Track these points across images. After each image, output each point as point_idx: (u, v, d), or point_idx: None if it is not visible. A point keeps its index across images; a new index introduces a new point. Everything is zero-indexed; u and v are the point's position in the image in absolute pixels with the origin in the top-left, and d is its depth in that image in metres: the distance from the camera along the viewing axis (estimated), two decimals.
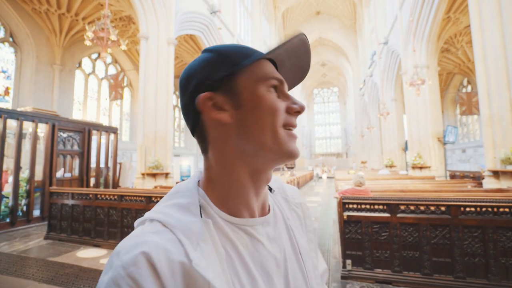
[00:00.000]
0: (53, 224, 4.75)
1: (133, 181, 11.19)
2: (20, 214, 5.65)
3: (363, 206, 3.00)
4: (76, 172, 7.38)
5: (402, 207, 2.87)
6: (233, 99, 0.41)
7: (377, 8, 16.21)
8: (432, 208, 2.77)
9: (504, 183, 4.89)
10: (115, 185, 8.57)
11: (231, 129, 0.41)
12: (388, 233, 2.88)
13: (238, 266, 0.38)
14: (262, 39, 19.42)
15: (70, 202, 4.64)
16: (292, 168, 23.42)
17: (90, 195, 4.46)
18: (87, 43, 5.03)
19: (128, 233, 4.13)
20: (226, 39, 12.55)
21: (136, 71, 13.33)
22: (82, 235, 4.43)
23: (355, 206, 3.03)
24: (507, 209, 2.61)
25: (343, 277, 2.92)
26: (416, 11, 9.19)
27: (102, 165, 8.08)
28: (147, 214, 0.39)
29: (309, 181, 17.01)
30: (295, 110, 0.42)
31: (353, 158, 29.07)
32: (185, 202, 0.40)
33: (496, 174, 5.06)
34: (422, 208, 2.81)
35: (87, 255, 3.89)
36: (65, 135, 6.95)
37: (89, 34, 4.80)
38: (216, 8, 10.72)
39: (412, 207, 2.84)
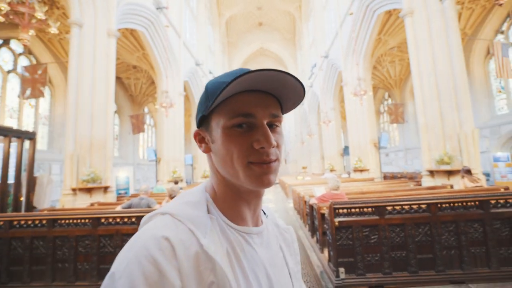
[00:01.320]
0: None
1: (52, 199, 9.11)
2: None
3: (352, 211, 2.93)
4: None
5: (389, 208, 2.90)
6: (210, 134, 0.48)
7: (316, 25, 17.68)
8: (415, 207, 2.88)
9: (438, 180, 5.68)
10: (30, 205, 6.76)
11: (212, 157, 0.49)
12: (377, 235, 2.86)
13: (235, 264, 0.42)
14: (207, 44, 18.94)
15: None
16: None
17: (1, 223, 3.26)
18: None
19: (63, 268, 3.13)
20: (172, 40, 11.66)
21: (59, 65, 11.16)
22: None
23: (345, 211, 2.94)
24: (473, 203, 2.89)
25: (337, 287, 2.77)
26: (356, 29, 10.28)
27: (11, 180, 6.26)
28: (158, 210, 0.45)
29: None
30: (258, 147, 0.43)
31: (293, 164, 30.68)
32: (193, 200, 0.46)
33: (431, 173, 5.85)
34: (406, 207, 2.89)
35: None
36: None
37: (3, 5, 3.62)
38: (163, 4, 9.87)
39: (397, 208, 2.90)
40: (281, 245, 0.54)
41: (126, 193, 10.98)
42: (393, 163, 17.66)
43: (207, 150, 0.49)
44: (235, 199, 0.47)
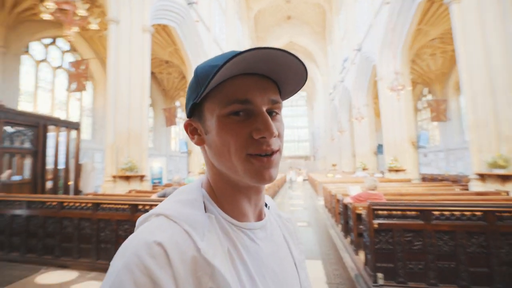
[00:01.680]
0: None
1: (95, 184, 9.85)
2: None
3: (393, 213, 2.73)
4: (27, 175, 6.11)
5: (436, 213, 2.66)
6: (203, 124, 0.43)
7: (348, 17, 16.85)
8: (468, 214, 2.61)
9: (490, 186, 5.12)
10: (77, 189, 7.37)
11: (206, 150, 0.45)
12: (422, 242, 2.64)
13: (238, 264, 0.38)
14: (236, 38, 18.97)
15: (24, 212, 3.66)
16: None
17: (54, 204, 3.56)
18: (46, 16, 4.08)
19: (106, 249, 3.35)
20: (202, 34, 11.83)
21: (99, 60, 11.89)
22: (42, 253, 3.51)
23: (385, 212, 2.75)
24: None
25: None
26: (393, 19, 9.58)
27: (60, 166, 6.86)
28: (152, 210, 0.41)
29: (283, 185, 16.90)
30: (258, 136, 0.39)
31: (321, 161, 29.97)
32: (189, 198, 0.42)
33: (482, 177, 5.29)
34: (457, 214, 2.62)
35: (52, 279, 3.05)
36: (12, 130, 5.71)
37: (50, 4, 3.87)
38: (193, 0, 10.01)
39: (446, 213, 2.64)
40: (285, 235, 0.52)
41: (159, 182, 11.54)
42: (432, 164, 16.43)
43: (200, 142, 0.45)
44: (234, 195, 0.43)
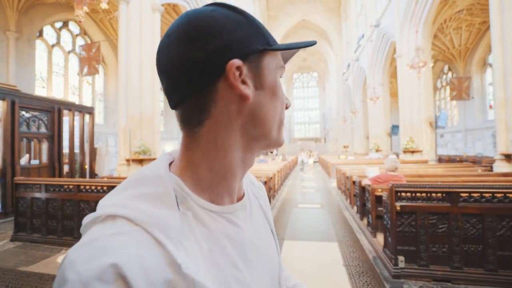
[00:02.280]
0: (21, 222, 3.86)
1: (110, 168, 10.10)
2: None
3: (417, 195, 2.59)
4: (44, 159, 6.28)
5: (464, 195, 2.50)
6: (257, 78, 0.37)
7: None
8: (499, 196, 2.43)
9: None
10: (92, 173, 7.56)
11: (246, 109, 0.36)
12: (447, 225, 2.51)
13: (222, 260, 0.35)
14: None
15: (43, 195, 3.76)
16: (271, 152, 23.26)
17: (71, 187, 3.62)
18: None
19: None
20: None
21: (110, 44, 11.80)
22: (62, 235, 3.62)
23: (408, 195, 2.62)
24: None
25: (395, 276, 2.54)
26: None
27: (76, 150, 7.01)
28: (103, 209, 0.31)
29: (294, 167, 16.83)
30: (287, 106, 0.41)
31: (332, 143, 29.55)
32: (156, 192, 0.33)
33: (508, 157, 5.00)
34: (487, 196, 2.46)
35: None
36: (28, 115, 5.80)
37: None
38: None
39: (475, 195, 2.48)
40: (261, 203, 0.49)
41: None
42: (449, 145, 15.87)
43: (247, 91, 0.35)
44: (232, 170, 0.37)
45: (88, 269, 0.24)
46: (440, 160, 10.44)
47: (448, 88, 15.20)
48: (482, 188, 2.48)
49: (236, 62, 0.34)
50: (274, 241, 0.48)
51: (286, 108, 0.41)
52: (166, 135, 15.55)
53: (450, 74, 16.03)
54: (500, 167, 5.10)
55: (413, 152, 9.72)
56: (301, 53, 33.00)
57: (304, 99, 38.01)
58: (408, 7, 9.65)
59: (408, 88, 10.02)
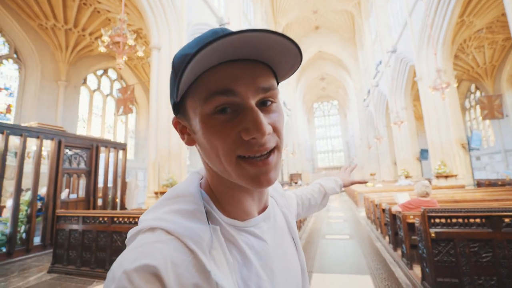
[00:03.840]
0: (59, 254, 4.09)
1: (139, 201, 10.48)
2: (19, 242, 4.97)
3: (454, 220, 2.44)
4: (81, 193, 6.75)
5: (507, 220, 2.31)
6: (189, 123, 0.39)
7: (379, 19, 16.33)
8: None
9: None
10: (123, 206, 7.91)
11: (198, 149, 0.40)
12: (491, 253, 2.30)
13: (245, 271, 0.37)
14: None
15: (80, 227, 4.01)
16: (295, 183, 22.79)
17: (105, 219, 3.85)
18: (102, 49, 4.62)
19: None
20: None
21: (142, 86, 13.00)
22: (95, 267, 3.77)
23: (443, 220, 2.47)
24: None
25: None
26: (431, 14, 9.04)
27: (109, 184, 7.47)
28: (146, 222, 0.36)
29: None
30: (248, 138, 0.34)
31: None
32: (190, 209, 0.37)
33: None
34: None
35: None
36: (71, 152, 6.40)
37: (105, 38, 4.40)
38: (225, 21, 10.58)
39: None
40: (283, 211, 0.50)
41: None
42: (488, 168, 14.63)
43: (191, 142, 0.40)
44: (235, 195, 0.39)
45: (132, 269, 0.29)
46: (479, 184, 9.62)
47: (478, 107, 14.50)
48: None
49: (173, 120, 0.41)
50: (297, 248, 0.49)
51: (249, 138, 0.34)
52: (191, 168, 16.06)
53: (478, 93, 15.38)
54: None
55: (446, 177, 9.09)
56: (319, 82, 33.80)
57: (326, 128, 37.91)
58: (423, 31, 9.78)
59: (433, 109, 9.72)
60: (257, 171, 0.35)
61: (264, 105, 0.37)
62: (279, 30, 24.09)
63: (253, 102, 0.35)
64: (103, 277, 3.62)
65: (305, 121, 34.90)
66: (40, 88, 8.96)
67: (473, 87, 15.89)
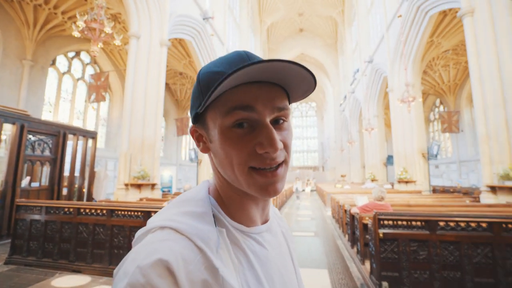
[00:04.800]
0: (17, 245, 3.91)
1: (107, 192, 10.13)
2: None
3: (399, 223, 2.76)
4: (44, 181, 6.43)
5: (442, 224, 2.67)
6: (207, 133, 0.42)
7: (360, 29, 17.07)
8: (473, 225, 2.61)
9: (501, 198, 5.02)
10: (90, 196, 7.64)
11: (212, 158, 0.44)
12: (427, 251, 2.65)
13: (249, 274, 0.38)
14: (249, 50, 19.46)
15: (43, 217, 3.87)
16: None
17: (71, 210, 3.76)
18: (76, 34, 4.44)
19: (118, 254, 3.49)
20: (216, 48, 12.28)
21: (117, 72, 12.48)
22: (58, 258, 3.68)
23: (390, 222, 2.79)
24: None
25: None
26: (405, 31, 9.69)
27: (76, 173, 7.17)
28: (154, 223, 0.38)
29: (291, 195, 16.81)
30: (262, 151, 0.38)
31: (330, 172, 29.63)
32: (199, 211, 0.40)
33: (493, 189, 5.20)
34: (462, 225, 2.63)
35: (66, 283, 3.19)
36: (35, 138, 6.06)
37: (80, 23, 4.23)
38: (209, 15, 10.48)
39: (452, 224, 2.65)
40: (283, 232, 0.53)
41: (169, 191, 11.78)
42: (444, 176, 16.03)
43: (206, 150, 0.44)
44: (242, 202, 0.43)
45: (146, 263, 0.30)
46: (435, 190, 10.57)
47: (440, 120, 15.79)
48: (457, 217, 2.66)
49: (191, 128, 0.45)
50: (294, 268, 0.51)
51: (262, 152, 0.38)
52: (165, 160, 15.75)
53: (442, 108, 16.72)
54: (487, 198, 5.27)
55: (407, 182, 9.89)
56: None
57: (303, 128, 38.82)
58: (397, 46, 10.46)
59: (400, 120, 10.48)
60: (266, 181, 0.38)
61: (277, 123, 0.41)
62: (264, 28, 24.19)
63: (268, 119, 0.39)
64: (66, 268, 3.56)
65: None
66: (1, 66, 8.30)
67: (438, 101, 17.23)
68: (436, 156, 9.77)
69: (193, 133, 0.45)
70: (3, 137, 5.69)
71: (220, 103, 0.38)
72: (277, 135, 0.38)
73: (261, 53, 24.40)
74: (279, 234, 0.50)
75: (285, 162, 0.41)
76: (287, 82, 0.39)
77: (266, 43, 26.82)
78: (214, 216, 0.40)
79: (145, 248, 0.33)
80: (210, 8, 11.35)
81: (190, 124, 0.48)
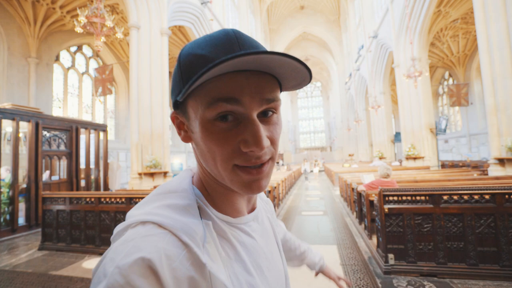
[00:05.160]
0: (47, 233, 4.24)
1: (121, 182, 10.53)
2: (3, 223, 5.04)
3: (404, 198, 2.88)
4: (62, 175, 6.75)
5: (445, 198, 2.77)
6: (188, 122, 0.39)
7: (364, 3, 16.39)
8: (476, 197, 2.70)
9: (510, 170, 5.04)
10: (106, 186, 7.99)
11: (194, 148, 0.41)
12: (431, 224, 2.78)
13: (236, 266, 0.38)
14: (249, 33, 19.07)
15: (67, 207, 4.16)
16: (277, 163, 23.46)
17: (92, 199, 4.02)
18: (78, 29, 4.50)
19: None
20: None
21: (120, 64, 12.51)
22: (85, 243, 3.99)
23: (395, 198, 2.90)
24: None
25: (386, 272, 2.80)
26: (410, 3, 9.31)
27: (91, 165, 7.47)
28: (135, 217, 0.35)
29: (299, 177, 17.04)
30: (247, 150, 0.34)
31: (338, 152, 29.64)
32: (182, 203, 0.37)
33: (501, 161, 5.21)
34: (465, 197, 2.73)
35: (95, 265, 3.48)
36: (49, 134, 6.30)
37: (81, 19, 4.28)
38: None
39: (455, 197, 2.75)
40: (269, 217, 0.53)
41: None
42: (454, 150, 15.89)
43: (187, 140, 0.40)
44: (227, 194, 0.41)
45: (125, 263, 0.28)
46: (444, 165, 10.56)
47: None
48: (461, 190, 2.75)
49: (172, 114, 0.41)
50: (280, 252, 0.50)
51: (246, 150, 0.35)
52: (174, 148, 16.05)
53: (451, 80, 16.26)
54: (495, 171, 5.30)
55: (415, 158, 9.90)
56: None
57: (309, 109, 38.50)
58: (403, 19, 10.09)
59: (407, 96, 10.31)
60: (250, 178, 0.36)
61: (265, 115, 0.37)
62: (264, 8, 23.45)
63: (255, 113, 0.35)
64: (94, 252, 3.87)
65: (288, 101, 35.17)
66: (8, 65, 8.45)
67: (447, 74, 16.73)
68: (444, 130, 9.69)
69: (173, 119, 0.41)
70: (20, 135, 5.95)
71: (202, 92, 0.34)
72: (263, 132, 0.35)
73: (262, 35, 23.81)
74: (265, 221, 0.49)
75: (271, 159, 0.38)
76: (279, 72, 0.36)
77: (266, 24, 26.10)
78: (199, 208, 0.39)
79: (125, 246, 0.30)
80: None
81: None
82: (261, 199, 0.55)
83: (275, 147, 0.38)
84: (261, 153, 0.35)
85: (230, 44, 0.34)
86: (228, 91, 0.34)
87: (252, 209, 0.46)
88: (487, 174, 5.64)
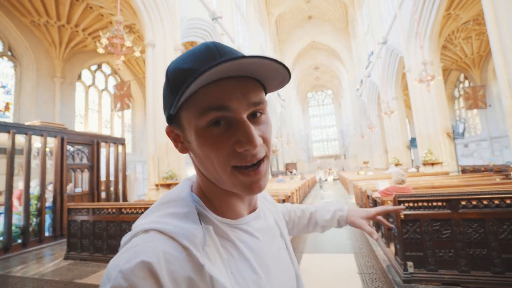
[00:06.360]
0: (72, 242, 4.45)
1: (139, 193, 10.83)
2: (31, 233, 5.31)
3: (420, 204, 2.85)
4: (84, 187, 7.06)
5: (463, 202, 2.73)
6: (183, 133, 0.41)
7: (371, 10, 16.47)
8: (496, 201, 2.64)
9: None
10: (125, 198, 8.25)
11: (192, 157, 0.43)
12: (450, 230, 2.73)
13: (241, 265, 0.39)
14: (259, 44, 19.50)
15: (91, 218, 4.36)
16: (291, 172, 23.31)
17: (114, 210, 4.20)
18: (100, 50, 4.83)
19: None
20: (227, 45, 12.45)
21: (137, 81, 13.09)
22: (107, 253, 4.14)
23: (411, 204, 2.88)
24: None
25: (405, 281, 2.75)
26: (418, 9, 9.31)
27: (111, 178, 7.77)
28: (139, 226, 0.38)
29: (314, 186, 16.84)
30: (241, 150, 0.37)
31: (352, 159, 29.14)
32: (183, 212, 0.39)
33: None
34: (485, 202, 2.67)
35: None
36: (73, 148, 6.66)
37: (103, 40, 4.61)
38: (218, 15, 10.66)
39: (474, 202, 2.70)
40: (275, 217, 0.54)
41: None
42: (475, 155, 15.29)
43: (185, 150, 0.43)
44: (226, 199, 0.43)
45: (128, 267, 0.30)
46: (464, 171, 10.18)
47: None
48: (479, 194, 2.70)
49: (167, 128, 0.43)
50: (288, 252, 0.51)
51: (241, 151, 0.37)
52: (188, 159, 16.35)
53: (466, 83, 15.84)
54: None
55: (433, 164, 9.62)
56: (313, 72, 33.93)
57: (321, 117, 38.31)
58: (412, 24, 10.06)
59: (420, 101, 10.14)
60: (249, 180, 0.38)
61: (254, 116, 0.39)
62: (272, 20, 23.97)
63: (245, 115, 0.37)
64: None
65: (300, 110, 35.19)
66: (36, 85, 9.07)
67: (462, 76, 16.33)
68: (462, 134, 9.41)
69: (169, 133, 0.44)
70: (46, 149, 6.33)
71: (193, 103, 0.37)
72: (255, 131, 0.38)
73: (272, 46, 24.28)
74: (269, 219, 0.50)
75: (266, 157, 0.40)
76: (261, 74, 0.38)
77: (275, 35, 26.62)
78: (199, 213, 0.40)
79: (128, 252, 0.33)
80: (217, 8, 11.53)
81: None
82: (266, 201, 0.57)
83: (268, 145, 0.40)
84: (255, 151, 0.37)
85: (211, 55, 0.37)
86: (217, 99, 0.36)
87: (252, 210, 0.47)
88: (511, 179, 5.41)
